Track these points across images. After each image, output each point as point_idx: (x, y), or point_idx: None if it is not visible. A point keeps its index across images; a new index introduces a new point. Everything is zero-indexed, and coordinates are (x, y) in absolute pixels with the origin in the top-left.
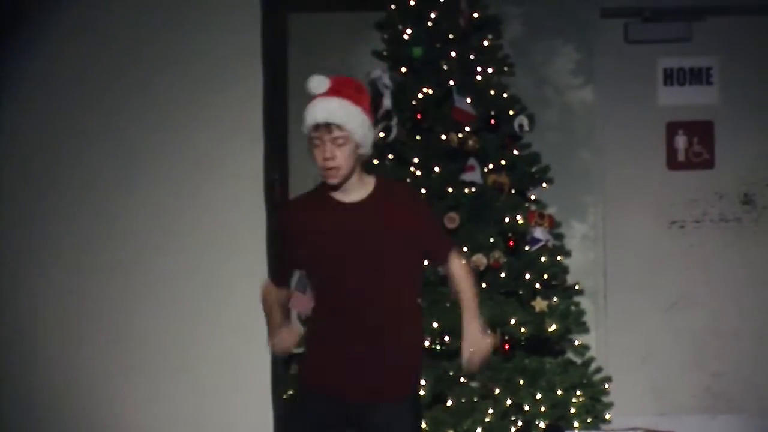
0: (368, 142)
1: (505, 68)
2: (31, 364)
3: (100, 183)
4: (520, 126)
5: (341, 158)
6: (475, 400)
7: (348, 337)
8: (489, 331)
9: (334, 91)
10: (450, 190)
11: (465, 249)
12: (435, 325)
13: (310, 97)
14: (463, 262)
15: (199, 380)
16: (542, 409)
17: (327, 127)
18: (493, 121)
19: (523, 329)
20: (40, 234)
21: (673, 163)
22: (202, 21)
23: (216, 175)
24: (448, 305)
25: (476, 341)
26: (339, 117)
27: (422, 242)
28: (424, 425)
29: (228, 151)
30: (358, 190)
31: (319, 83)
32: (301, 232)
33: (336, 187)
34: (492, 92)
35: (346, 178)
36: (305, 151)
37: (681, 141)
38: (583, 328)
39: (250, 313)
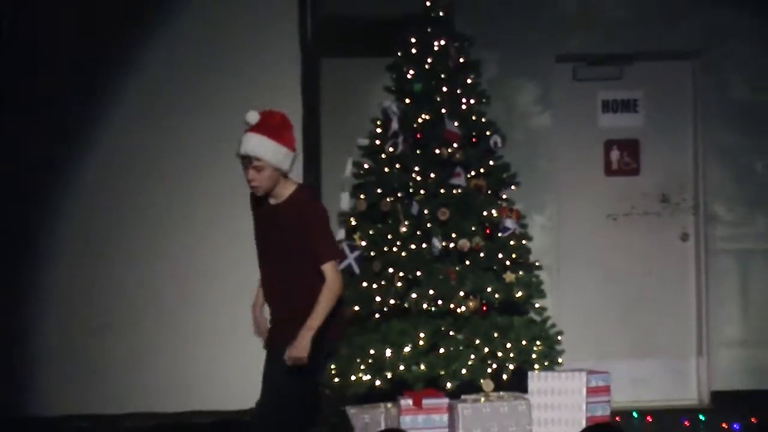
0: (285, 164)
1: (483, 100)
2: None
3: (178, 193)
4: (495, 143)
5: (260, 179)
6: (461, 348)
7: (266, 299)
8: (308, 344)
9: (257, 128)
10: (442, 191)
11: (453, 235)
12: (431, 292)
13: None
14: (330, 276)
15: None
16: (511, 355)
17: (248, 158)
18: (474, 139)
19: (496, 295)
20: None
21: (609, 171)
22: (252, 62)
23: None
24: (441, 278)
25: (296, 346)
26: (255, 151)
27: (303, 245)
28: (422, 367)
29: None
30: (277, 197)
31: (251, 118)
32: (253, 216)
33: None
34: (473, 118)
35: (268, 190)
36: (332, 163)
37: (615, 154)
38: (542, 295)
39: None
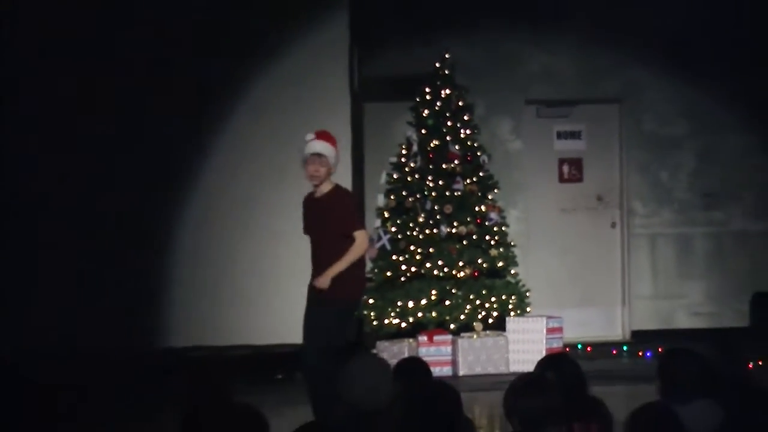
0: (335, 165)
1: (475, 131)
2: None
3: (254, 199)
4: (483, 161)
5: (320, 172)
6: (460, 301)
7: (312, 262)
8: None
9: (320, 138)
10: (447, 193)
11: (455, 223)
12: (440, 262)
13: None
14: (358, 239)
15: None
16: (494, 306)
17: (317, 155)
18: (469, 158)
19: (484, 265)
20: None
21: (561, 179)
22: (316, 105)
23: None
24: (446, 253)
25: (321, 279)
26: (323, 150)
27: (337, 222)
28: (434, 314)
29: None
30: (321, 192)
31: (309, 137)
32: (304, 211)
33: (314, 189)
34: (468, 143)
35: (321, 182)
36: (372, 175)
37: (565, 168)
38: (516, 265)
39: None
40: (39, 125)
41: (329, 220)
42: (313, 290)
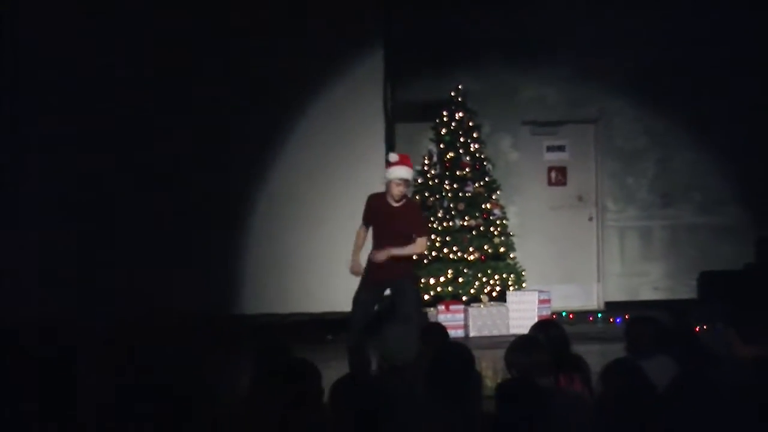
0: (410, 184)
1: (483, 145)
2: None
3: (308, 201)
4: (489, 168)
5: (404, 191)
6: (470, 279)
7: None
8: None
9: (403, 162)
10: (460, 194)
11: (466, 218)
12: (455, 248)
13: (389, 161)
14: (421, 243)
15: None
16: (498, 283)
17: (404, 179)
18: (477, 167)
19: (490, 250)
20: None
21: (550, 183)
22: (357, 126)
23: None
24: (460, 241)
25: (379, 254)
26: (408, 176)
27: (409, 227)
28: (450, 289)
29: (365, 191)
30: (397, 202)
31: (392, 158)
32: (371, 210)
33: (394, 200)
34: (477, 155)
35: (402, 198)
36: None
37: (553, 174)
38: (514, 250)
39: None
40: (135, 117)
41: (403, 223)
42: (378, 270)
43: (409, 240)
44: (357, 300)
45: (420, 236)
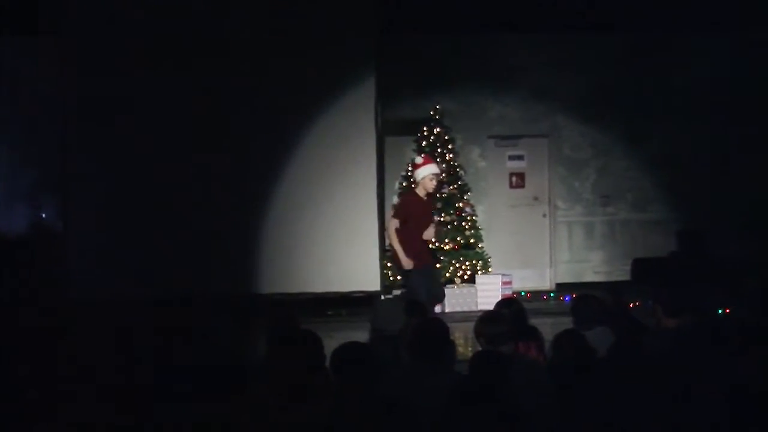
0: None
1: (456, 155)
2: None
3: (310, 201)
4: (461, 174)
5: (438, 186)
6: (446, 264)
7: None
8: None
9: (429, 160)
10: (437, 195)
11: (443, 214)
12: (433, 239)
13: (415, 163)
14: (433, 230)
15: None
16: (468, 268)
17: (437, 173)
18: (452, 173)
19: (462, 241)
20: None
21: (511, 186)
22: (351, 139)
23: (350, 216)
24: (437, 233)
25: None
26: (437, 170)
27: (432, 216)
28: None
29: (358, 205)
30: (426, 196)
31: (419, 159)
32: (411, 206)
33: (427, 192)
34: (452, 163)
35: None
36: (390, 184)
37: (514, 179)
38: (482, 240)
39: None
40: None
41: (430, 213)
42: (425, 259)
43: (428, 226)
44: (420, 284)
45: (432, 222)
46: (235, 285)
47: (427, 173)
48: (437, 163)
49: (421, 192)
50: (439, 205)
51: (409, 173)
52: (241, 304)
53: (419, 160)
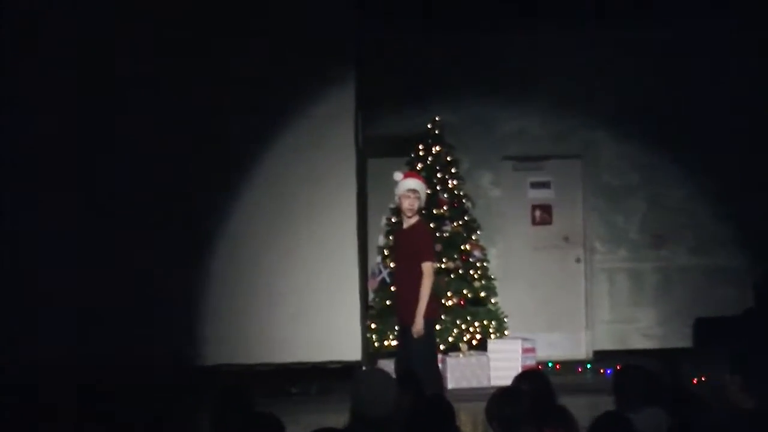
0: (424, 202)
1: (461, 181)
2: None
3: (285, 233)
4: (468, 207)
5: (414, 207)
6: (448, 326)
7: (396, 285)
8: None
9: (412, 176)
10: (437, 234)
11: (444, 259)
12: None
13: (395, 181)
14: (424, 272)
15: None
16: (478, 330)
17: (413, 191)
18: (455, 204)
19: (469, 295)
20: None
21: (534, 223)
22: (327, 159)
23: (328, 242)
24: (437, 284)
25: (414, 328)
26: (418, 187)
27: (413, 250)
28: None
29: (332, 248)
30: (408, 224)
31: (397, 176)
32: (394, 240)
33: (405, 219)
34: (455, 192)
35: (413, 215)
36: (375, 218)
37: (537, 213)
38: (495, 295)
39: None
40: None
41: (410, 249)
42: (403, 316)
43: (416, 267)
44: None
45: (423, 261)
46: (170, 353)
47: (401, 190)
48: (422, 178)
49: (403, 216)
50: (438, 247)
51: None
52: (178, 380)
53: (398, 175)
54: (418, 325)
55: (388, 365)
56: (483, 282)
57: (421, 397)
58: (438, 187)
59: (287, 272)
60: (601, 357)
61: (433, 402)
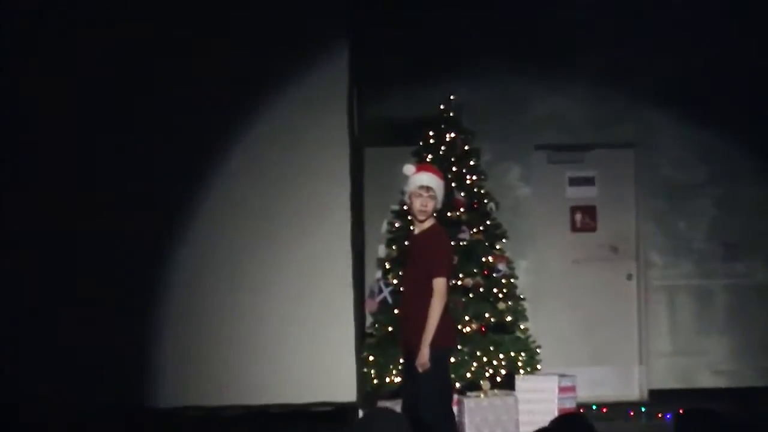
0: (441, 201)
1: (482, 177)
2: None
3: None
4: (490, 208)
5: (429, 206)
6: (466, 358)
7: (401, 301)
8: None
9: (428, 170)
10: (452, 243)
11: (461, 275)
12: None
13: (405, 176)
14: (435, 290)
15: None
16: (503, 363)
17: (427, 188)
18: (475, 205)
19: (492, 319)
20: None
21: (574, 228)
22: (317, 148)
23: (318, 249)
24: (452, 306)
25: (419, 359)
26: (435, 184)
27: (424, 263)
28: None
29: (324, 240)
30: (421, 228)
31: (407, 170)
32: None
33: (416, 223)
34: (474, 190)
35: (428, 217)
36: (373, 223)
37: (578, 216)
38: (525, 319)
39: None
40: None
41: (419, 260)
42: (408, 342)
43: (426, 283)
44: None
45: (434, 276)
46: (126, 395)
47: (412, 187)
48: (440, 173)
49: (414, 219)
50: (454, 260)
51: (406, 207)
52: (136, 423)
53: (409, 169)
54: (424, 357)
55: (393, 406)
56: (509, 303)
57: None
58: (453, 185)
59: (265, 294)
60: (659, 398)
61: None
